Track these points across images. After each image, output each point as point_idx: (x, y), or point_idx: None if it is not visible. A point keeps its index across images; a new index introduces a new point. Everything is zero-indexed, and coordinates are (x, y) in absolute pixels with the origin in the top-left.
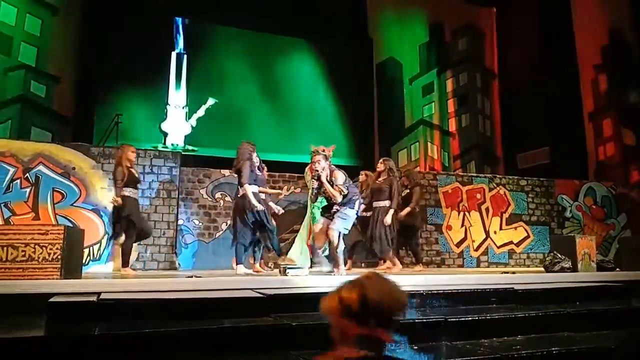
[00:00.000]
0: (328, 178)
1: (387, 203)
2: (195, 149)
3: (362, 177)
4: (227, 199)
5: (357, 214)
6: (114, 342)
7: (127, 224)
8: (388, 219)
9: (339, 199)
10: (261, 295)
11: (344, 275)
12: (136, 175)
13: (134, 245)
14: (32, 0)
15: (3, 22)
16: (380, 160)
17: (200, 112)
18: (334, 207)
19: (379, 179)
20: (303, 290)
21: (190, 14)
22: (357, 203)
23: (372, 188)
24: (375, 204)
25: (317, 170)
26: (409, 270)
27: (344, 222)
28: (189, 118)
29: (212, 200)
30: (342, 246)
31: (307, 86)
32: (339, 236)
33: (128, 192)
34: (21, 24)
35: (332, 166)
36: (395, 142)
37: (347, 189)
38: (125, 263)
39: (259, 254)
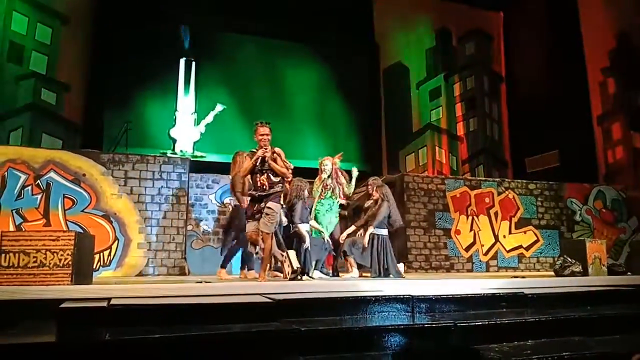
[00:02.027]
0: (271, 156)
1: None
2: (204, 154)
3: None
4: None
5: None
6: (124, 347)
7: (238, 230)
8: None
9: (289, 174)
10: (270, 301)
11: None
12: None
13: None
14: (42, 9)
15: (14, 31)
16: (376, 189)
17: (209, 118)
18: (262, 203)
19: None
20: (312, 295)
21: (199, 21)
22: (281, 197)
23: (368, 215)
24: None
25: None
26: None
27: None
28: (198, 124)
29: (220, 206)
30: (275, 247)
31: (314, 92)
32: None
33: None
34: (32, 33)
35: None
36: (403, 146)
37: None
38: (225, 265)
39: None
